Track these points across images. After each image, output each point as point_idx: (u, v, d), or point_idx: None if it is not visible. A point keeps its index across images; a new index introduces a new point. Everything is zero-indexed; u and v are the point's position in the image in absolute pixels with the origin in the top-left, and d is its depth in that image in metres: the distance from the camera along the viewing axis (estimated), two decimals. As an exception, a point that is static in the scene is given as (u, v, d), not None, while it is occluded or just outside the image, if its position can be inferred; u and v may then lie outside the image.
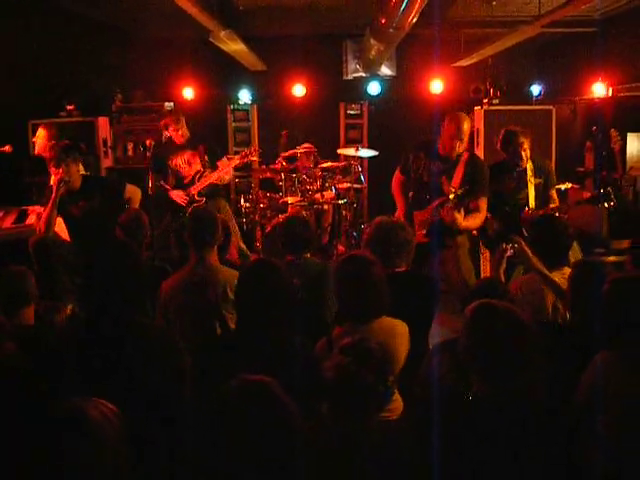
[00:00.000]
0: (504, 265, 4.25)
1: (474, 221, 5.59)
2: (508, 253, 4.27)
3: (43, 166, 6.65)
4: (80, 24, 8.78)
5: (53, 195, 5.72)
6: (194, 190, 6.93)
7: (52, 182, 5.83)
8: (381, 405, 2.70)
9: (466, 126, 5.61)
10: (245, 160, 7.52)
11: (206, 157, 7.09)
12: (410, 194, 5.92)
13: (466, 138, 5.66)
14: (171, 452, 2.76)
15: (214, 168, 7.05)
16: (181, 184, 7.03)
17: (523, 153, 5.79)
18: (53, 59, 8.44)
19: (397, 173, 6.06)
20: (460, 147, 5.63)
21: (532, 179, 5.81)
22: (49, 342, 2.87)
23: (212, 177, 6.95)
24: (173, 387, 2.89)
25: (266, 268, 3.49)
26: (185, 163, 7.02)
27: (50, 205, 5.74)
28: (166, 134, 7.32)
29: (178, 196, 6.94)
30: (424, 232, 5.59)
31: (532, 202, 5.78)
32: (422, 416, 2.85)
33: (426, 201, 5.69)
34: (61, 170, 5.78)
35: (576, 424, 2.84)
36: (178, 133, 7.03)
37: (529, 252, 4.20)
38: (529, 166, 5.83)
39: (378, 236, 4.23)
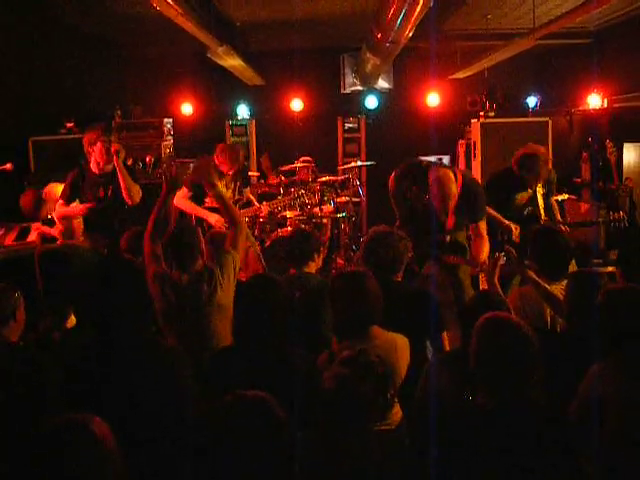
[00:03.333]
0: (497, 274, 4.26)
1: (482, 249, 5.28)
2: (501, 261, 4.28)
3: (44, 183, 6.69)
4: (79, 41, 8.85)
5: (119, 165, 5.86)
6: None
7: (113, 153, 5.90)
8: (380, 416, 2.73)
9: (452, 187, 5.28)
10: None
11: (238, 183, 7.17)
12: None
13: (454, 195, 5.30)
14: (170, 465, 2.78)
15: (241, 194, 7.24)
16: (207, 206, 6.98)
17: (540, 181, 5.78)
18: (52, 76, 8.50)
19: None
20: (452, 203, 5.33)
21: (541, 191, 5.87)
22: (35, 360, 2.85)
23: (251, 211, 7.43)
24: (176, 403, 2.91)
25: (265, 283, 3.53)
26: (223, 187, 6.92)
27: (124, 175, 5.89)
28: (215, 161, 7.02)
29: (218, 220, 6.64)
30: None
31: (543, 213, 5.86)
32: (422, 427, 2.87)
33: (424, 236, 5.32)
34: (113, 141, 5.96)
35: (573, 434, 2.87)
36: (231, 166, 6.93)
37: (521, 262, 4.23)
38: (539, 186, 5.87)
39: (373, 245, 4.27)
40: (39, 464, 2.01)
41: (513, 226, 5.71)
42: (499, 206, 5.77)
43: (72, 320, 4.34)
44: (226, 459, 2.04)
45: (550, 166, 6.04)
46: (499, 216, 5.74)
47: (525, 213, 5.90)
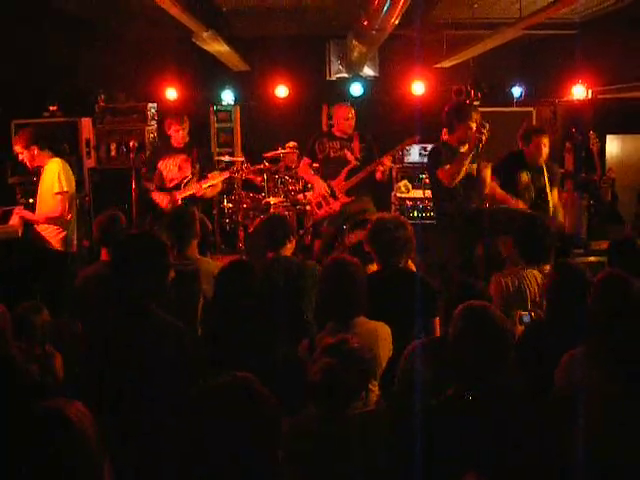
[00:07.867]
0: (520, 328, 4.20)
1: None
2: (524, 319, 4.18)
3: (26, 166, 6.63)
4: (63, 24, 8.77)
5: None
6: (179, 195, 6.79)
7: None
8: (363, 402, 2.76)
9: (339, 115, 7.31)
10: (235, 175, 7.96)
11: (197, 165, 6.97)
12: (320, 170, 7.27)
13: (347, 122, 7.17)
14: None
15: (203, 176, 6.93)
16: (165, 187, 6.90)
17: (544, 149, 5.94)
18: (36, 59, 8.43)
19: (304, 159, 7.40)
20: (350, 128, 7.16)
21: (547, 177, 5.97)
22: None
23: (196, 188, 6.81)
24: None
25: (240, 269, 3.59)
26: (175, 166, 6.89)
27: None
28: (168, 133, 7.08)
29: (160, 199, 6.80)
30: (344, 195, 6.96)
31: (554, 199, 6.02)
32: (401, 411, 2.91)
33: (336, 171, 7.00)
34: None
35: (552, 421, 2.91)
36: (179, 134, 6.90)
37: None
38: (546, 165, 6.00)
39: (378, 233, 4.29)
40: (18, 449, 2.01)
41: (521, 203, 5.87)
42: (506, 188, 5.96)
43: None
44: (213, 436, 2.05)
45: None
46: (507, 196, 5.92)
47: (526, 197, 5.99)
